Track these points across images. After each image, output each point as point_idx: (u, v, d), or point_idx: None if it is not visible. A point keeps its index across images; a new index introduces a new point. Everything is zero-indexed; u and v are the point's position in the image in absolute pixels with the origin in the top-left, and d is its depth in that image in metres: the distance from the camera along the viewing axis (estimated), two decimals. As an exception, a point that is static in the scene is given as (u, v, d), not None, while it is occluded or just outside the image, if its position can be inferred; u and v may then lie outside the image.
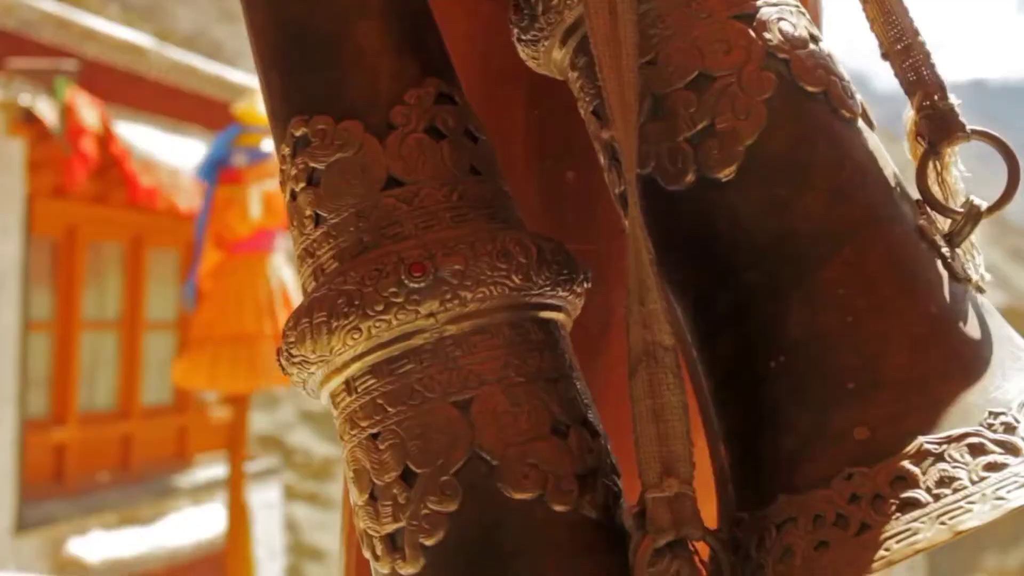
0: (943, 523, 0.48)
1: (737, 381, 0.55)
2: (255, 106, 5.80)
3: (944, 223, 0.56)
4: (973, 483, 0.48)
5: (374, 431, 0.54)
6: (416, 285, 0.53)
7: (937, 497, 0.48)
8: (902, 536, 0.48)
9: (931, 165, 0.57)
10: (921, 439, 0.50)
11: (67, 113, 6.33)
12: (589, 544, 0.52)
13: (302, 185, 0.57)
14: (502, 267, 0.54)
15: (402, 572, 0.53)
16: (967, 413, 0.50)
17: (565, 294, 0.56)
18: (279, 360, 0.58)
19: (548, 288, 0.55)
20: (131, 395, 8.46)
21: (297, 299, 5.79)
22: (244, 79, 8.47)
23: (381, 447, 0.54)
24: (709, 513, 0.54)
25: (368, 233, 0.55)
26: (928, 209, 0.56)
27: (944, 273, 0.54)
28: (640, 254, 0.53)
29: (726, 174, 0.54)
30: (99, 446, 8.05)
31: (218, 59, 11.52)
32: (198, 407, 9.11)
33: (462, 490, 0.52)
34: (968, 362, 0.52)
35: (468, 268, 0.53)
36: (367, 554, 0.55)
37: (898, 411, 0.51)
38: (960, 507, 0.48)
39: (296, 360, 0.56)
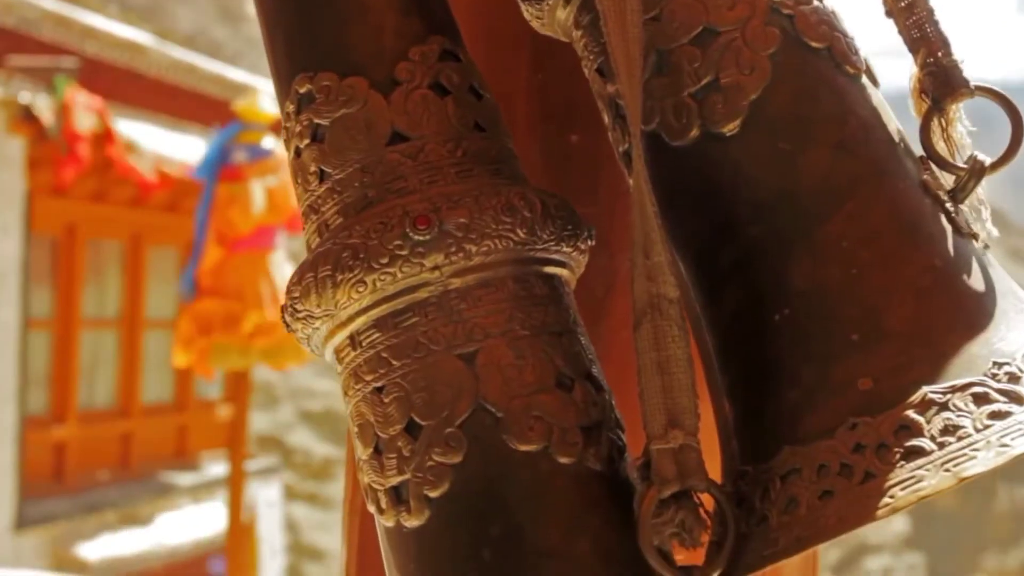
0: (947, 470, 0.48)
1: (740, 335, 0.55)
2: (256, 103, 5.81)
3: (948, 180, 0.56)
4: (977, 431, 0.48)
5: (378, 385, 0.54)
6: (421, 238, 0.53)
7: (941, 445, 0.48)
8: (907, 483, 0.48)
9: (935, 122, 0.57)
10: (925, 389, 0.50)
11: (64, 112, 6.33)
12: (594, 496, 0.52)
13: (306, 142, 0.57)
14: (507, 221, 0.54)
15: (407, 524, 0.53)
16: (971, 363, 0.50)
17: (569, 250, 0.56)
18: (283, 317, 0.58)
19: (552, 243, 0.55)
20: (131, 393, 8.46)
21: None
22: (244, 77, 8.47)
23: (386, 400, 0.54)
24: (713, 469, 0.54)
25: (373, 188, 0.55)
26: (932, 165, 0.56)
27: (948, 227, 0.54)
28: (645, 207, 0.53)
29: (730, 129, 0.55)
30: (99, 444, 8.05)
31: (218, 59, 11.51)
32: (198, 405, 9.11)
33: (467, 442, 0.52)
34: (972, 314, 0.52)
35: (473, 221, 0.53)
36: (372, 508, 0.55)
37: (902, 362, 0.51)
38: (964, 454, 0.48)
39: (301, 315, 0.56)
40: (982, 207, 0.57)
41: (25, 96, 6.49)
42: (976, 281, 0.53)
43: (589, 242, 0.58)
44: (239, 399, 6.38)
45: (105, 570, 7.15)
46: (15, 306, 7.01)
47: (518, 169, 0.58)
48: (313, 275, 0.54)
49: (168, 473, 8.49)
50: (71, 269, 7.83)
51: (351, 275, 0.53)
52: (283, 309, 0.58)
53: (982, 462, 0.47)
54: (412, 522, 0.53)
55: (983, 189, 0.57)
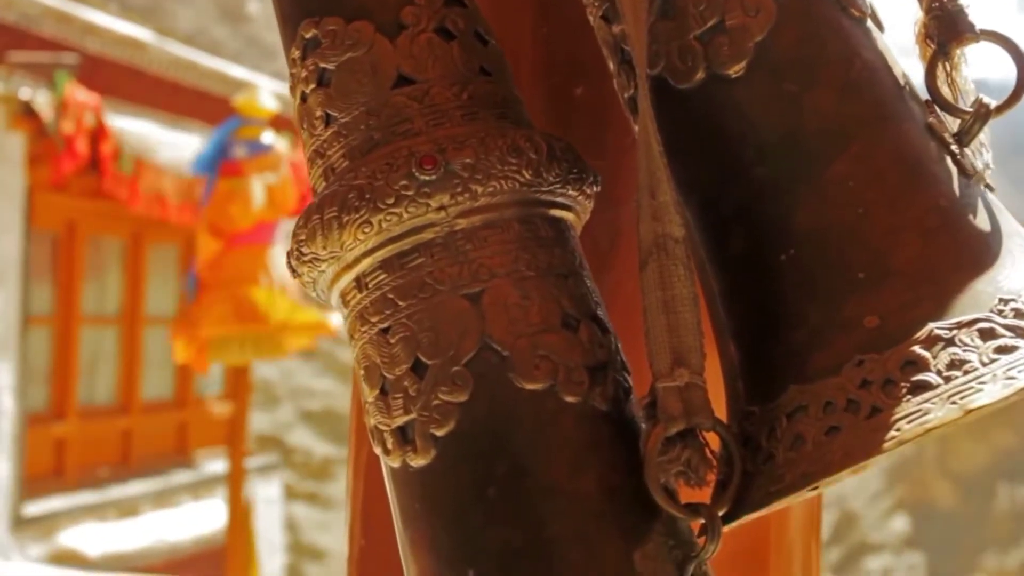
0: (954, 402, 0.48)
1: (746, 277, 0.55)
2: (255, 99, 5.81)
3: (953, 124, 0.57)
4: (984, 365, 0.48)
5: (384, 326, 0.54)
6: (427, 178, 0.53)
7: (948, 379, 0.48)
8: (913, 416, 0.48)
9: (940, 66, 0.57)
10: (931, 325, 0.50)
11: (62, 109, 6.33)
12: (599, 435, 0.52)
13: (312, 86, 0.57)
14: (513, 162, 0.54)
15: (413, 464, 0.53)
16: (977, 300, 0.50)
17: (575, 193, 0.56)
18: (289, 261, 0.58)
19: (558, 185, 0.55)
20: (131, 390, 8.46)
21: (298, 289, 5.81)
22: (244, 75, 8.47)
23: (392, 341, 0.54)
24: (719, 413, 0.54)
25: (378, 130, 0.55)
26: (937, 109, 0.56)
27: (953, 169, 0.54)
28: (650, 147, 0.53)
29: (736, 71, 0.55)
30: (99, 441, 8.05)
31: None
32: (198, 402, 9.11)
33: (473, 380, 0.52)
34: (978, 253, 0.52)
35: (479, 162, 0.53)
36: (378, 450, 0.55)
37: (908, 300, 0.51)
38: (971, 387, 0.48)
39: (306, 258, 0.56)
40: (985, 150, 0.57)
41: (25, 92, 6.49)
42: (982, 221, 0.53)
43: (595, 187, 0.58)
44: (239, 396, 6.38)
45: (105, 566, 7.14)
46: (15, 302, 7.01)
47: (524, 114, 0.58)
48: (319, 217, 0.54)
49: (168, 470, 8.49)
50: (71, 266, 7.82)
51: (357, 216, 0.53)
52: (289, 253, 0.58)
53: (988, 394, 0.47)
54: (418, 461, 0.53)
55: (986, 134, 0.57)
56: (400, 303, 0.54)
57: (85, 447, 7.87)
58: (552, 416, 0.52)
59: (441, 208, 0.53)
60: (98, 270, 8.28)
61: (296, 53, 0.58)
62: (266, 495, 8.79)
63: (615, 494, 0.51)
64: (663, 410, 0.51)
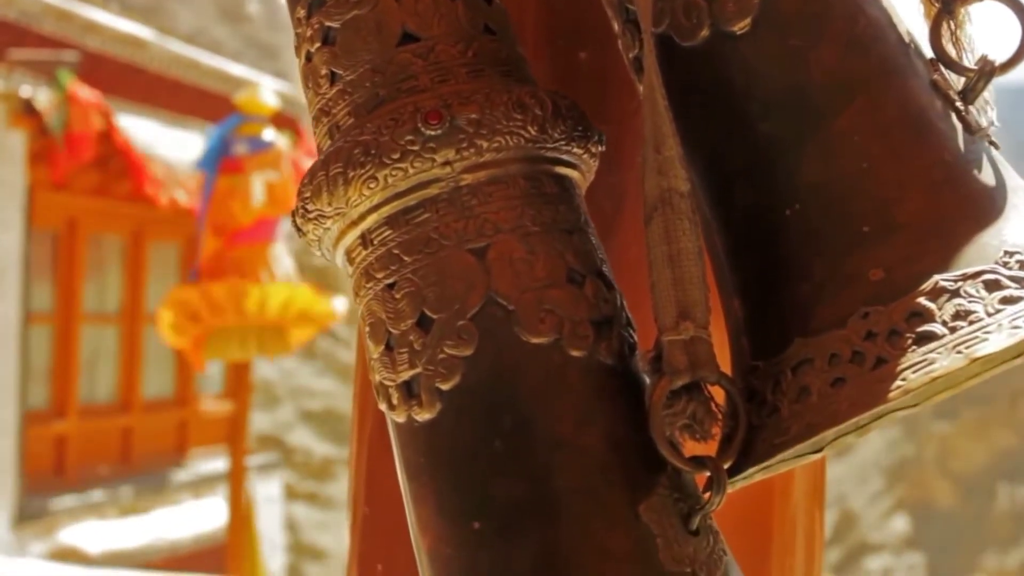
0: (959, 351, 0.48)
1: (752, 233, 0.55)
2: (256, 96, 5.81)
3: (958, 83, 0.57)
4: (989, 315, 0.48)
5: (390, 281, 0.54)
6: (432, 133, 0.53)
7: (953, 329, 0.49)
8: (919, 366, 0.48)
9: (945, 24, 0.57)
10: (937, 277, 0.50)
11: (68, 105, 6.33)
12: (605, 389, 0.52)
13: (317, 45, 0.57)
14: (518, 117, 0.54)
15: (418, 419, 0.53)
16: (982, 253, 0.50)
17: (580, 151, 0.56)
18: (294, 220, 0.58)
19: (563, 143, 0.55)
20: (131, 388, 8.46)
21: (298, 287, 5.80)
22: (245, 73, 8.47)
23: (397, 296, 0.54)
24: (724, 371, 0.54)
25: (384, 87, 0.55)
26: (941, 67, 0.56)
27: (958, 125, 0.54)
28: (656, 102, 0.53)
29: (741, 27, 0.55)
30: (99, 439, 8.05)
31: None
32: (199, 400, 9.11)
33: (478, 334, 0.52)
34: (982, 206, 0.52)
35: (484, 117, 0.53)
36: (383, 406, 0.55)
37: (913, 252, 0.51)
38: (976, 337, 0.48)
39: (312, 215, 0.56)
40: (989, 108, 0.57)
41: (26, 90, 6.50)
42: (986, 176, 0.53)
43: (599, 147, 0.58)
44: (240, 393, 6.39)
45: (106, 564, 7.14)
46: (16, 300, 7.01)
47: (528, 72, 0.58)
48: (324, 173, 0.54)
49: (168, 468, 8.49)
50: (72, 264, 7.83)
51: (363, 171, 0.53)
52: (294, 212, 0.58)
53: (994, 343, 0.48)
54: (423, 416, 0.53)
55: (991, 92, 0.57)
56: (405, 259, 0.54)
57: (86, 445, 7.87)
58: (557, 370, 0.52)
59: (446, 163, 0.53)
60: (99, 268, 8.28)
61: (301, 12, 0.58)
62: (266, 494, 8.79)
63: (620, 447, 0.51)
64: (668, 363, 0.51)
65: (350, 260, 0.56)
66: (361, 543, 0.74)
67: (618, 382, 0.53)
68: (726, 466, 0.52)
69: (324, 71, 0.57)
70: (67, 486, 7.53)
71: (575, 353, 0.52)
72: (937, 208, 0.52)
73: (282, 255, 5.77)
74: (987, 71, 0.56)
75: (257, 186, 5.58)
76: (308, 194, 0.56)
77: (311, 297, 5.61)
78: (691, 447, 0.52)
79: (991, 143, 0.56)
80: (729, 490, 0.62)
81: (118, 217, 8.16)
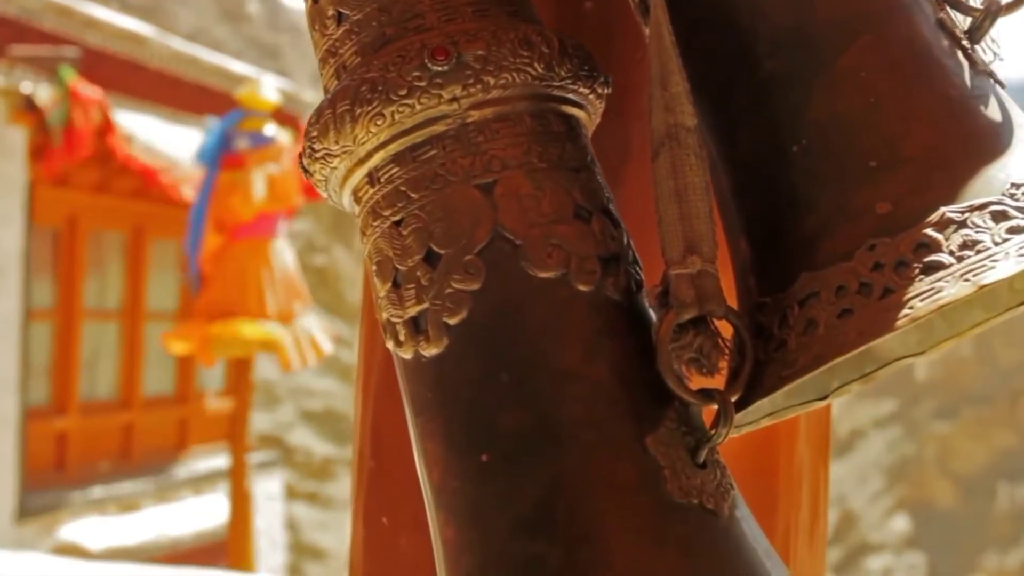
0: (967, 279, 0.48)
1: (757, 172, 0.55)
2: (257, 91, 5.82)
3: (964, 24, 0.57)
4: (996, 244, 0.49)
5: (397, 218, 0.54)
6: (439, 69, 0.53)
7: (960, 259, 0.49)
8: (926, 295, 0.48)
9: (950, -36, 0.57)
10: (943, 209, 0.50)
11: (69, 101, 6.34)
12: (612, 324, 0.52)
13: (324, -15, 0.57)
14: (524, 55, 0.54)
15: (425, 354, 0.53)
16: (989, 185, 0.50)
17: (586, 91, 0.57)
18: (301, 162, 0.58)
19: (569, 81, 0.55)
20: (132, 385, 8.47)
21: (300, 281, 5.81)
22: (245, 70, 8.48)
23: (404, 232, 0.54)
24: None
25: (390, 26, 0.55)
26: (947, 7, 0.56)
27: (964, 63, 0.54)
28: (662, 38, 0.53)
29: (747, -35, 0.55)
30: (100, 435, 8.06)
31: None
32: (199, 397, 9.12)
33: (485, 269, 0.52)
34: (989, 141, 0.52)
35: (490, 54, 0.53)
36: (389, 344, 0.55)
37: (920, 185, 0.51)
38: (984, 265, 0.48)
39: (319, 155, 0.56)
40: (996, 46, 0.57)
41: (27, 86, 6.50)
42: (993, 112, 0.53)
43: (606, 88, 0.58)
44: (240, 390, 6.39)
45: (106, 560, 7.14)
46: (16, 297, 7.01)
47: (534, 12, 0.58)
48: (331, 111, 0.55)
49: (169, 465, 8.49)
50: (72, 260, 7.83)
51: (370, 108, 0.53)
52: (300, 155, 0.58)
53: (1001, 270, 0.48)
54: (431, 351, 0.53)
55: (996, 31, 0.57)
56: (412, 195, 0.54)
57: (86, 442, 7.87)
58: (565, 304, 0.52)
59: (453, 99, 0.53)
60: (99, 265, 8.28)
61: (308, -46, 0.58)
62: (267, 491, 8.79)
63: (628, 381, 0.51)
64: (675, 296, 0.51)
65: (357, 200, 0.56)
66: (367, 497, 0.74)
67: (625, 317, 0.53)
68: (733, 399, 0.52)
69: (331, 12, 0.57)
70: (68, 483, 7.54)
71: (582, 288, 0.52)
72: (943, 142, 0.52)
73: (283, 250, 5.78)
74: (993, 10, 0.56)
75: (258, 181, 5.58)
76: (315, 133, 0.56)
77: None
78: (698, 382, 0.52)
79: (997, 81, 0.56)
80: (736, 434, 0.62)
81: (119, 214, 8.17)
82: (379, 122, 0.54)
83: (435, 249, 0.53)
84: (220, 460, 8.42)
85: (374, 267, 0.55)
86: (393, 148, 0.54)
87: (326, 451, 22.40)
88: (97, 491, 7.62)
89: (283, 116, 6.45)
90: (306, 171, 0.58)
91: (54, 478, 7.49)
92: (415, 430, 0.55)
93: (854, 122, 0.53)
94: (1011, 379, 26.32)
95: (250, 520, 6.32)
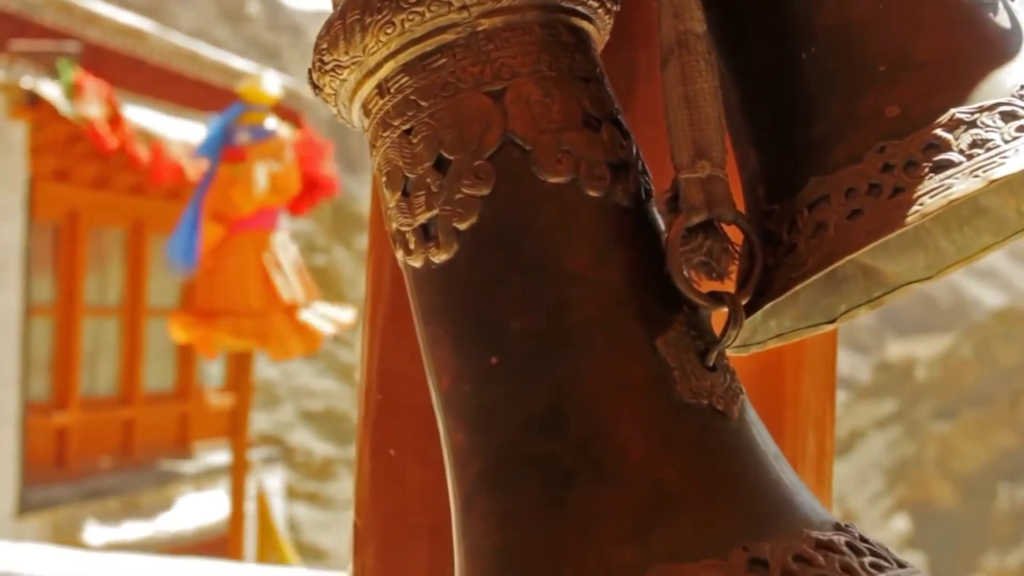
0: (977, 175, 0.48)
1: (767, 80, 0.55)
2: (259, 85, 5.82)
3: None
4: (1006, 142, 0.49)
5: (407, 127, 0.54)
6: None
7: (970, 157, 0.49)
8: (936, 191, 0.48)
9: None
10: (953, 110, 0.50)
11: (75, 92, 6.35)
12: (621, 229, 0.52)
13: (332, -100, 0.57)
14: None
15: (435, 260, 0.53)
16: (998, 88, 0.51)
17: (595, 4, 0.57)
18: (310, 77, 0.58)
19: None
20: (132, 381, 8.47)
21: (301, 275, 5.81)
22: (246, 66, 8.48)
23: (414, 141, 0.54)
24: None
25: None
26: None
27: (973, -28, 0.55)
28: (671, -54, 0.53)
29: None
30: (101, 431, 8.06)
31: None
32: (199, 393, 9.12)
33: (495, 174, 0.52)
34: (998, 47, 0.52)
35: None
36: (399, 254, 0.55)
37: (929, 89, 0.51)
38: (993, 161, 0.48)
39: (328, 67, 0.56)
40: None
41: (27, 81, 6.50)
42: (1002, 20, 0.54)
43: (615, 5, 0.58)
44: (241, 386, 6.39)
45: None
46: (17, 292, 7.02)
47: None
48: (341, 22, 0.55)
49: (170, 460, 8.49)
50: (73, 256, 7.84)
51: (379, 16, 0.53)
52: (310, 70, 0.58)
53: (1011, 166, 0.48)
54: (440, 257, 0.53)
55: None
56: (422, 103, 0.54)
57: (87, 437, 7.88)
58: (574, 208, 0.52)
59: (463, 8, 0.53)
60: (100, 260, 8.29)
61: None
62: (268, 487, 8.79)
63: (637, 285, 0.52)
64: (685, 200, 0.51)
65: (366, 112, 0.56)
66: (374, 431, 0.74)
67: (634, 224, 0.53)
68: (743, 302, 0.52)
69: None
70: (68, 478, 7.54)
71: (592, 193, 0.52)
72: (953, 47, 0.52)
73: (286, 243, 5.78)
74: (1002, -78, 0.56)
75: (259, 175, 5.58)
76: (325, 45, 0.56)
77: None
78: (708, 287, 0.52)
79: None
80: (743, 353, 0.62)
81: (119, 209, 8.17)
82: (389, 31, 0.54)
83: (445, 155, 0.53)
84: (220, 456, 8.42)
85: (384, 178, 0.55)
86: (403, 57, 0.54)
87: (326, 451, 22.38)
88: (97, 486, 7.62)
89: (283, 112, 6.45)
90: (315, 86, 0.58)
91: (54, 473, 7.49)
92: (424, 339, 0.55)
93: (864, 27, 0.53)
94: (1011, 379, 26.31)
95: (265, 511, 6.34)
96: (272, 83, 5.95)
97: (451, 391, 0.53)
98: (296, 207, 6.43)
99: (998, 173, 0.48)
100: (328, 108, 0.61)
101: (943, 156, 0.49)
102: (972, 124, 0.50)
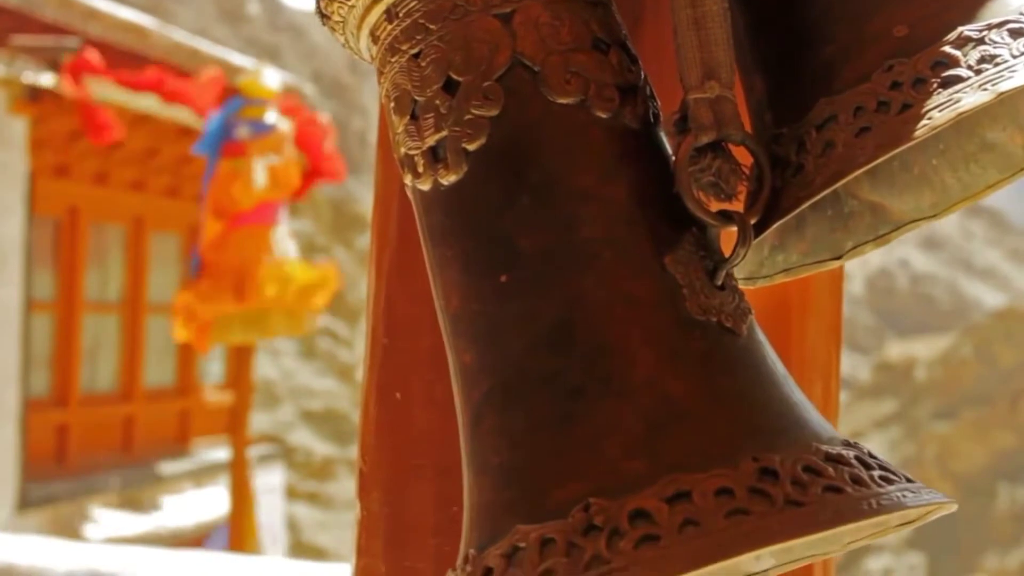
0: (985, 89, 0.48)
1: (774, 6, 0.55)
2: (258, 79, 5.82)
3: None
4: (1014, 57, 0.49)
5: (415, 51, 0.54)
6: None
7: (979, 72, 0.49)
8: (944, 105, 0.48)
9: None
10: (961, 28, 0.50)
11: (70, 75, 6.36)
12: (630, 150, 0.53)
13: None
14: None
15: (444, 182, 0.53)
16: (1005, 5, 0.51)
17: None
18: (317, 6, 0.58)
19: None
20: (133, 377, 8.47)
21: (301, 270, 5.81)
22: (246, 63, 8.48)
23: (423, 64, 0.54)
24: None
25: None
26: None
27: None
28: None
29: None
30: (101, 427, 8.06)
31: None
32: (200, 390, 9.12)
33: (504, 95, 0.52)
34: None
35: None
36: (407, 179, 0.55)
37: (937, 8, 0.51)
38: (1002, 75, 0.48)
39: None
40: None
41: (28, 76, 6.50)
42: None
43: None
44: (241, 383, 6.39)
45: (107, 552, 7.14)
46: (17, 288, 7.02)
47: None
48: None
49: (170, 457, 8.49)
50: (73, 252, 7.84)
51: None
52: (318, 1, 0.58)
53: (1019, 78, 0.48)
54: (449, 178, 0.53)
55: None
56: (431, 27, 0.54)
57: (87, 433, 7.88)
58: (583, 128, 0.52)
59: None
60: (100, 257, 8.29)
61: None
62: (267, 484, 8.78)
63: (646, 203, 0.52)
64: (694, 119, 0.51)
65: (374, 39, 0.56)
66: (380, 374, 0.74)
67: (643, 145, 0.53)
68: (752, 221, 0.52)
69: None
70: (68, 474, 7.54)
71: (600, 114, 0.52)
72: None
73: (284, 238, 5.78)
74: None
75: (259, 169, 5.58)
76: None
77: (307, 272, 5.63)
78: (717, 208, 0.52)
79: None
80: (751, 286, 0.62)
81: (119, 206, 8.17)
82: None
83: (454, 77, 0.53)
84: (220, 453, 8.43)
85: (392, 104, 0.56)
86: None
87: (326, 451, 22.36)
88: (98, 482, 7.62)
89: (283, 108, 6.45)
90: (323, 15, 0.58)
91: (55, 469, 7.49)
92: (433, 262, 0.55)
93: None
94: (1011, 379, 26.31)
95: (251, 511, 6.33)
96: (272, 77, 5.96)
97: (460, 311, 0.53)
98: (296, 192, 6.39)
99: (1006, 86, 0.48)
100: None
101: (951, 72, 0.49)
102: (980, 41, 0.50)
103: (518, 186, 0.51)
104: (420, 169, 0.54)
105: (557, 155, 0.52)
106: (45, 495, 7.15)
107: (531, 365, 0.50)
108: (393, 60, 0.55)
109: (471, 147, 0.52)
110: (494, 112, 0.52)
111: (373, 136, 0.76)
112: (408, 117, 0.55)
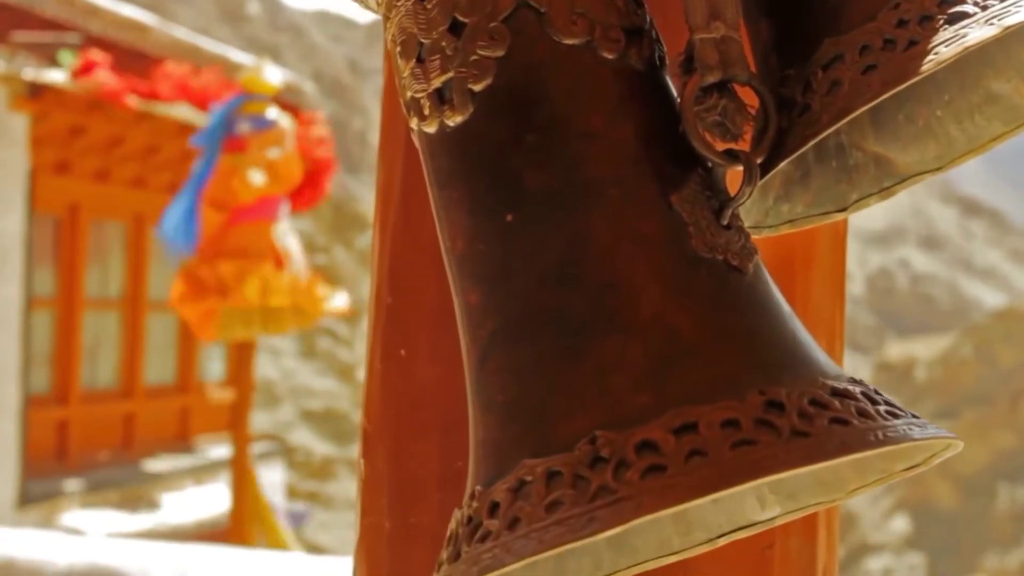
0: (991, 23, 0.48)
1: None
2: (260, 75, 5.83)
3: None
4: None
5: None
6: None
7: (984, 8, 0.49)
8: (951, 40, 0.49)
9: None
10: None
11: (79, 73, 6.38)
12: (636, 91, 0.53)
13: None
14: None
15: (450, 123, 0.53)
16: None
17: None
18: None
19: None
20: (133, 374, 8.48)
21: (302, 267, 5.82)
22: (245, 59, 8.49)
23: (428, 6, 0.54)
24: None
25: None
26: None
27: None
28: None
29: None
30: (101, 424, 8.06)
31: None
32: (200, 387, 9.13)
33: (510, 36, 0.52)
34: None
35: None
36: (413, 123, 0.55)
37: None
38: (1008, 11, 0.49)
39: None
40: None
41: (29, 72, 6.51)
42: None
43: None
44: (241, 380, 6.39)
45: (107, 549, 7.14)
46: (18, 284, 7.02)
47: None
48: None
49: (170, 454, 8.50)
50: (74, 249, 7.84)
51: None
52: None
53: (1024, 13, 0.48)
54: (455, 119, 0.53)
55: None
56: None
57: (87, 430, 7.88)
58: (589, 69, 0.52)
59: None
60: (101, 253, 8.29)
61: None
62: (268, 481, 8.79)
63: (652, 143, 0.52)
64: (700, 59, 0.52)
65: (380, -14, 0.57)
66: (384, 332, 0.74)
67: (649, 86, 0.53)
68: (758, 161, 0.52)
69: None
70: (69, 471, 7.54)
71: (606, 55, 0.52)
72: None
73: (286, 233, 5.78)
74: None
75: (255, 175, 5.59)
76: None
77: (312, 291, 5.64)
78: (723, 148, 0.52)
79: None
80: (757, 235, 0.62)
81: (120, 203, 8.18)
82: None
83: (460, 18, 0.53)
84: (221, 450, 8.43)
85: (398, 48, 0.56)
86: None
87: (326, 451, 22.36)
88: (98, 479, 7.62)
89: (284, 105, 6.45)
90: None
91: (55, 466, 7.50)
92: (439, 204, 0.55)
93: None
94: (1011, 379, 26.31)
95: (261, 498, 6.36)
96: (273, 73, 5.96)
97: (466, 252, 0.53)
98: (297, 201, 6.41)
99: (1013, 20, 0.48)
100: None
101: (958, 8, 0.49)
102: None
103: (524, 126, 0.52)
104: (426, 112, 0.54)
105: (563, 95, 0.52)
106: (45, 491, 7.15)
107: (537, 302, 0.50)
108: (399, 4, 0.55)
109: (477, 88, 0.52)
110: (500, 53, 0.52)
111: (373, 136, 0.77)
112: (414, 60, 0.55)
